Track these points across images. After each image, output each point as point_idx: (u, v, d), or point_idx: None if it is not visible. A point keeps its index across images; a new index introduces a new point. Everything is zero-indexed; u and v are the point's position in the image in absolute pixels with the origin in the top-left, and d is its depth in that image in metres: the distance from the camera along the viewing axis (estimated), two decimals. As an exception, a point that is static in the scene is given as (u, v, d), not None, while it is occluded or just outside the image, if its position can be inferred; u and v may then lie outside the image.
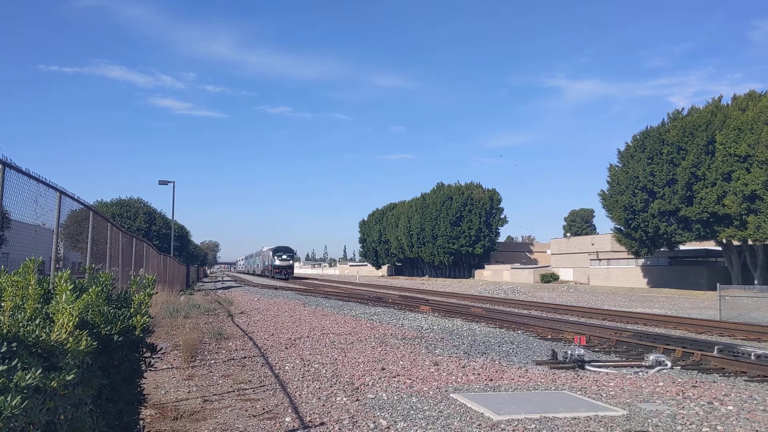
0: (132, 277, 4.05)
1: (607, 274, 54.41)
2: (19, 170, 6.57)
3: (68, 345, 2.68)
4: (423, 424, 6.38)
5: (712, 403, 7.50)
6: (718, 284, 23.58)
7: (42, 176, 7.41)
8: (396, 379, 8.94)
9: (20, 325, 2.67)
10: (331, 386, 8.44)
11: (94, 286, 3.28)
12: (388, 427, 6.28)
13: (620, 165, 47.05)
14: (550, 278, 61.65)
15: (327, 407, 7.16)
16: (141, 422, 3.76)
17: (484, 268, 76.24)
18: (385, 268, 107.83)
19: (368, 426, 6.31)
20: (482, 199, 78.79)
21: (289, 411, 6.96)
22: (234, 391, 8.20)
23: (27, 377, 2.37)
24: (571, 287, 52.02)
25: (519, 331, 16.05)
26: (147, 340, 3.75)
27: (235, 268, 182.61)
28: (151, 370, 3.85)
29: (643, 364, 10.55)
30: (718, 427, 6.35)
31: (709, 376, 9.79)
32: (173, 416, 6.64)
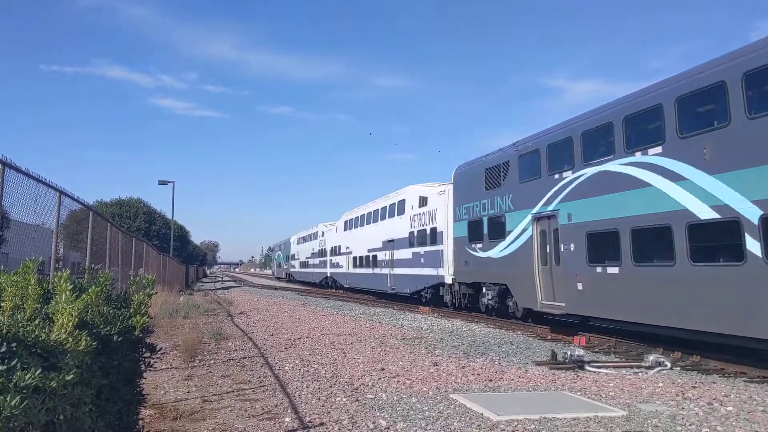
0: (131, 277, 4.05)
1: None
2: (18, 170, 6.57)
3: (68, 345, 2.69)
4: (422, 425, 6.37)
5: (712, 404, 7.49)
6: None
7: (42, 176, 7.41)
8: (395, 380, 8.94)
9: (20, 325, 2.67)
10: (330, 386, 8.44)
11: (93, 287, 3.28)
12: (388, 428, 6.28)
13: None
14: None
15: (327, 407, 7.16)
16: (140, 422, 3.76)
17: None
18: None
19: (368, 426, 6.30)
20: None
21: (289, 411, 6.95)
22: (233, 391, 8.20)
23: (26, 377, 2.37)
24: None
25: (519, 332, 16.04)
26: (146, 341, 3.75)
27: (275, 264, 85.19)
28: (150, 370, 3.85)
29: (643, 364, 10.54)
30: (718, 428, 6.34)
31: (708, 377, 9.79)
32: (172, 416, 6.63)
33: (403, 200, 27.70)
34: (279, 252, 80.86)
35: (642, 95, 12.41)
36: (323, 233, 46.67)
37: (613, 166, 12.91)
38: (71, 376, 2.60)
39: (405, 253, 26.57)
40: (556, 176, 15.06)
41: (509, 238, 17.28)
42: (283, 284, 61.93)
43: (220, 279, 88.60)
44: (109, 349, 3.25)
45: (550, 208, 15.19)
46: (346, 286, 38.43)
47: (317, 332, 15.39)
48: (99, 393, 3.10)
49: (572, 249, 14.29)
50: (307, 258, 54.99)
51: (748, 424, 6.53)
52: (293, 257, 64.18)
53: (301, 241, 59.43)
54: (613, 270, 12.90)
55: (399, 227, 27.53)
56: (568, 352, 10.54)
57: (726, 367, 10.44)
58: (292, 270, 65.37)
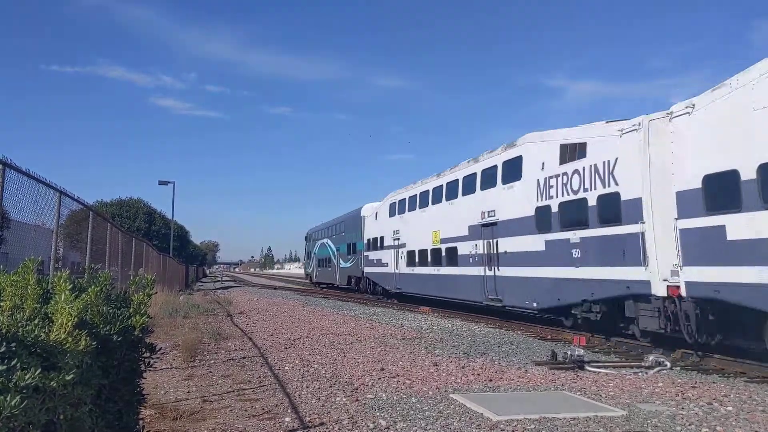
0: (131, 277, 4.05)
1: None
2: (19, 170, 6.57)
3: (67, 345, 2.68)
4: (422, 425, 6.37)
5: (712, 404, 7.49)
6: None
7: (42, 176, 7.41)
8: (395, 380, 8.94)
9: (19, 325, 2.67)
10: (330, 386, 8.44)
11: (93, 286, 3.28)
12: (388, 428, 6.28)
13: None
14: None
15: (326, 407, 7.16)
16: (140, 422, 3.76)
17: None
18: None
19: (368, 426, 6.31)
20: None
21: (289, 411, 6.95)
22: (233, 391, 8.20)
23: (26, 377, 2.37)
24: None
25: (519, 332, 16.04)
26: (146, 340, 3.75)
27: (314, 262, 51.15)
28: (150, 370, 3.85)
29: (643, 364, 10.54)
30: (718, 428, 6.34)
31: (708, 377, 9.79)
32: (173, 416, 6.63)
33: None
34: (325, 240, 45.53)
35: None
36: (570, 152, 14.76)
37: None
38: (71, 376, 2.60)
39: None
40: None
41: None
42: (283, 284, 60.29)
43: (219, 279, 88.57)
44: (109, 348, 3.25)
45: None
46: None
47: (317, 332, 15.39)
48: (99, 393, 3.10)
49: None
50: (450, 239, 21.84)
51: (748, 424, 6.53)
52: (375, 244, 31.43)
53: (408, 206, 26.71)
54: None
55: None
56: (568, 352, 10.54)
57: (726, 367, 10.44)
58: (372, 271, 32.33)
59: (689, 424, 6.47)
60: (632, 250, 11.91)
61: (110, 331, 3.26)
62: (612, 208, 12.71)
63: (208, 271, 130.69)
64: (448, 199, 22.07)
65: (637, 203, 11.91)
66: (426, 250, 24.01)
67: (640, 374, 9.77)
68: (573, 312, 14.47)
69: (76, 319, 2.80)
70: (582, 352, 10.65)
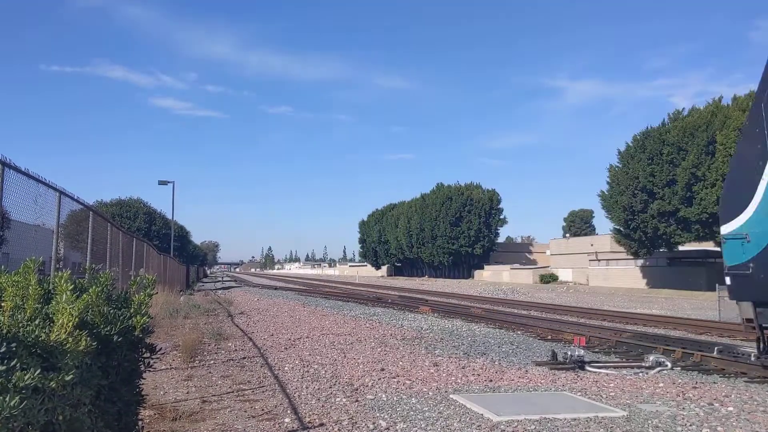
0: (132, 278, 4.05)
1: (607, 274, 54.41)
2: (18, 170, 6.57)
3: (68, 345, 2.68)
4: (422, 425, 6.37)
5: (713, 404, 7.49)
6: (717, 285, 23.32)
7: (42, 176, 7.41)
8: (395, 380, 8.93)
9: (20, 325, 2.66)
10: (330, 387, 8.43)
11: (94, 287, 3.28)
12: (388, 428, 6.27)
13: (620, 165, 47.14)
14: (549, 279, 61.71)
15: (326, 408, 7.15)
16: (140, 423, 3.75)
17: (483, 268, 76.32)
18: (384, 268, 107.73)
19: (368, 427, 6.30)
20: (482, 200, 79.03)
21: (289, 412, 6.95)
22: (233, 391, 8.19)
23: (26, 377, 2.37)
24: (571, 288, 52.00)
25: (519, 332, 16.04)
26: (146, 341, 3.74)
27: None
28: (150, 370, 3.84)
29: (643, 364, 10.54)
30: (718, 428, 6.34)
31: (709, 377, 9.78)
32: (172, 417, 6.63)
33: None
34: None
35: None
36: None
37: None
38: (71, 376, 2.59)
39: None
40: None
41: None
42: (283, 284, 60.70)
43: (220, 279, 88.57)
44: (109, 349, 3.24)
45: None
46: None
47: (317, 332, 15.39)
48: (98, 393, 3.09)
49: None
50: None
51: (749, 425, 6.52)
52: None
53: None
54: None
55: None
56: (569, 352, 10.53)
57: (726, 367, 10.43)
58: None
59: (690, 425, 6.46)
60: None
61: (111, 331, 3.26)
62: None
63: (208, 272, 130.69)
64: None
65: None
66: None
67: (640, 374, 9.76)
68: None
69: (76, 319, 2.79)
70: (582, 352, 10.64)
